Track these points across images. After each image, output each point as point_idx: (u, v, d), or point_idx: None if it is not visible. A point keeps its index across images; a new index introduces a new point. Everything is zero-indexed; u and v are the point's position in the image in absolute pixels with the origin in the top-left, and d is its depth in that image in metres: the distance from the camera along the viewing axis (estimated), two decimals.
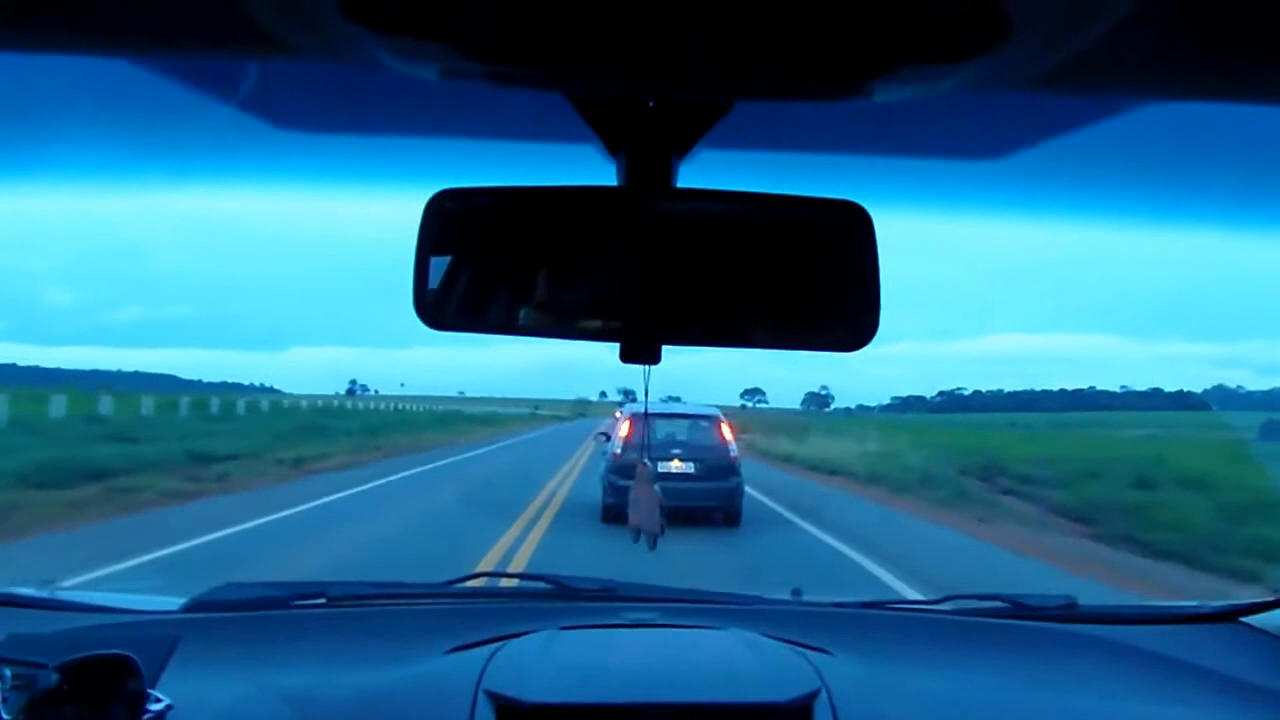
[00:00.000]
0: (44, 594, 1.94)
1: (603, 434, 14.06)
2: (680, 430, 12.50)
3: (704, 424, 12.60)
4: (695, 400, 14.09)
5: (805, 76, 0.81)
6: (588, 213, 1.09)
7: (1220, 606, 2.02)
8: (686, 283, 1.08)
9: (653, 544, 1.84)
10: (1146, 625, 2.02)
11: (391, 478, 17.24)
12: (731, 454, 12.10)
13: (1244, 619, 1.96)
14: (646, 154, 1.08)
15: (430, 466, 20.60)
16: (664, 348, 1.10)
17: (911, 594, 6.81)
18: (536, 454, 25.92)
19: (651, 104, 1.04)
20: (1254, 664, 1.79)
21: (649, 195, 1.09)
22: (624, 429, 11.92)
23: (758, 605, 2.10)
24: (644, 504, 1.94)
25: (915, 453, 23.07)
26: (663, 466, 11.70)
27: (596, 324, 1.11)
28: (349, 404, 61.69)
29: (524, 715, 1.41)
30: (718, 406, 13.81)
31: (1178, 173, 1.55)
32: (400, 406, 67.82)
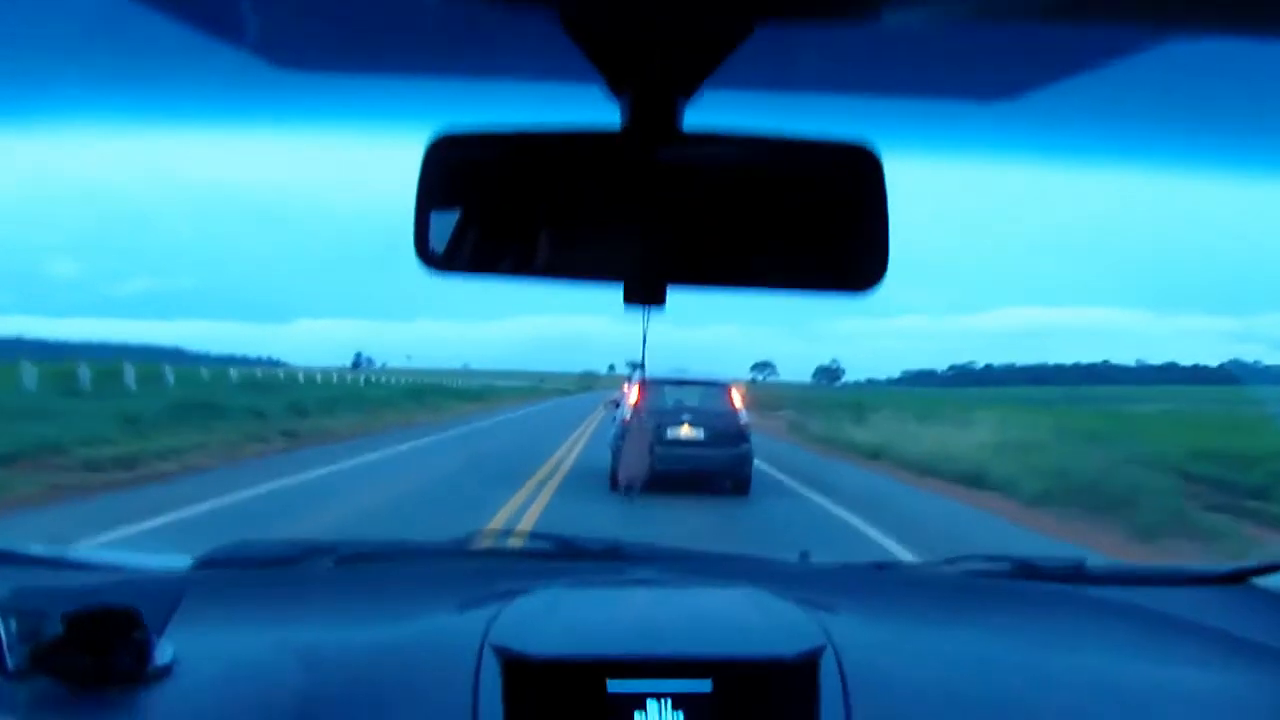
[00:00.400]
0: (51, 552, 1.94)
1: (613, 401, 14.15)
2: (690, 397, 12.52)
3: (714, 390, 12.61)
4: (703, 373, 14.10)
5: None
6: (591, 156, 1.08)
7: (1230, 568, 2.01)
8: (692, 225, 1.07)
9: (636, 493, 1.84)
10: (1155, 587, 2.01)
11: (234, 496, 11.37)
12: (742, 421, 12.13)
13: (1254, 580, 1.95)
14: (651, 95, 1.06)
15: (339, 468, 14.81)
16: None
17: None
18: (519, 439, 21.03)
19: (656, 39, 1.02)
20: (1263, 625, 1.78)
21: (654, 137, 1.07)
22: (634, 394, 12.00)
23: (765, 566, 2.10)
24: (634, 458, 1.95)
25: (1046, 446, 16.02)
26: (672, 433, 11.81)
27: (600, 266, 1.10)
28: (344, 377, 56.33)
29: (530, 669, 1.41)
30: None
31: (1200, 116, 1.51)
32: (375, 379, 59.85)
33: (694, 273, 1.09)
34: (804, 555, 2.27)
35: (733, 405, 12.35)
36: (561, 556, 2.07)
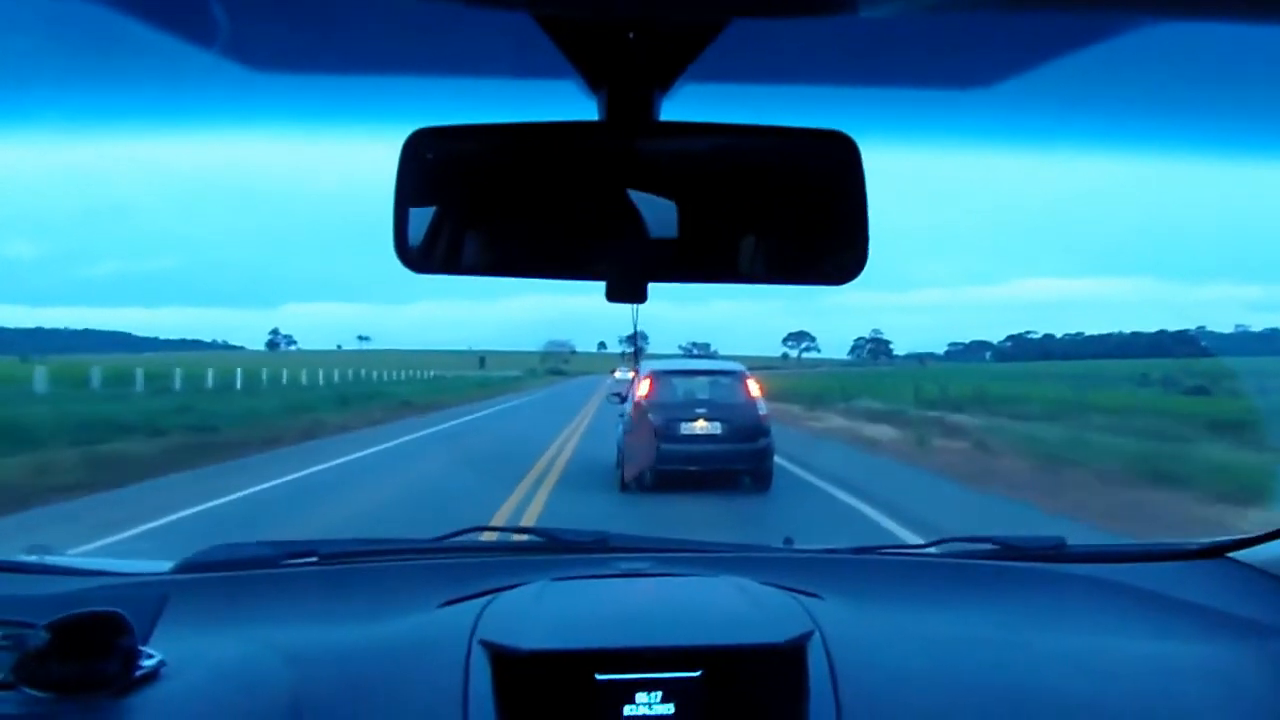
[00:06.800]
0: (33, 558, 1.93)
1: (617, 395, 13.08)
2: (704, 388, 11.79)
3: (728, 380, 11.89)
4: (728, 349, 13.33)
5: None
6: (569, 149, 1.08)
7: (1207, 543, 2.04)
8: (671, 218, 1.07)
9: (650, 481, 1.83)
10: (1135, 563, 2.03)
11: None
12: (760, 412, 11.39)
13: (1230, 554, 1.98)
14: (628, 88, 1.06)
15: None
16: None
17: None
18: None
19: (632, 36, 1.01)
20: (1241, 598, 1.81)
21: (631, 130, 1.07)
22: (644, 388, 11.37)
23: (750, 553, 2.11)
24: (640, 448, 1.95)
25: None
26: (686, 428, 11.12)
27: (580, 262, 1.10)
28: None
29: (519, 663, 1.42)
30: (755, 357, 12.96)
31: (1171, 98, 1.53)
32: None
33: (675, 267, 1.09)
34: (788, 541, 2.29)
35: (749, 395, 11.50)
36: (548, 549, 2.07)
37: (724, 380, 11.91)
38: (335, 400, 28.16)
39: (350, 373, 48.10)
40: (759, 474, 11.25)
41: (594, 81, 1.06)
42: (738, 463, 11.21)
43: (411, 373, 62.23)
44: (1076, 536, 2.00)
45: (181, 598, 1.66)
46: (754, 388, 11.69)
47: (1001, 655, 1.56)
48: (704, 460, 10.98)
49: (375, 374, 51.18)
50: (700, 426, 11.17)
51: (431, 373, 65.85)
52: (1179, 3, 0.82)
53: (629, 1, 0.87)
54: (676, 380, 11.94)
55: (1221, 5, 0.83)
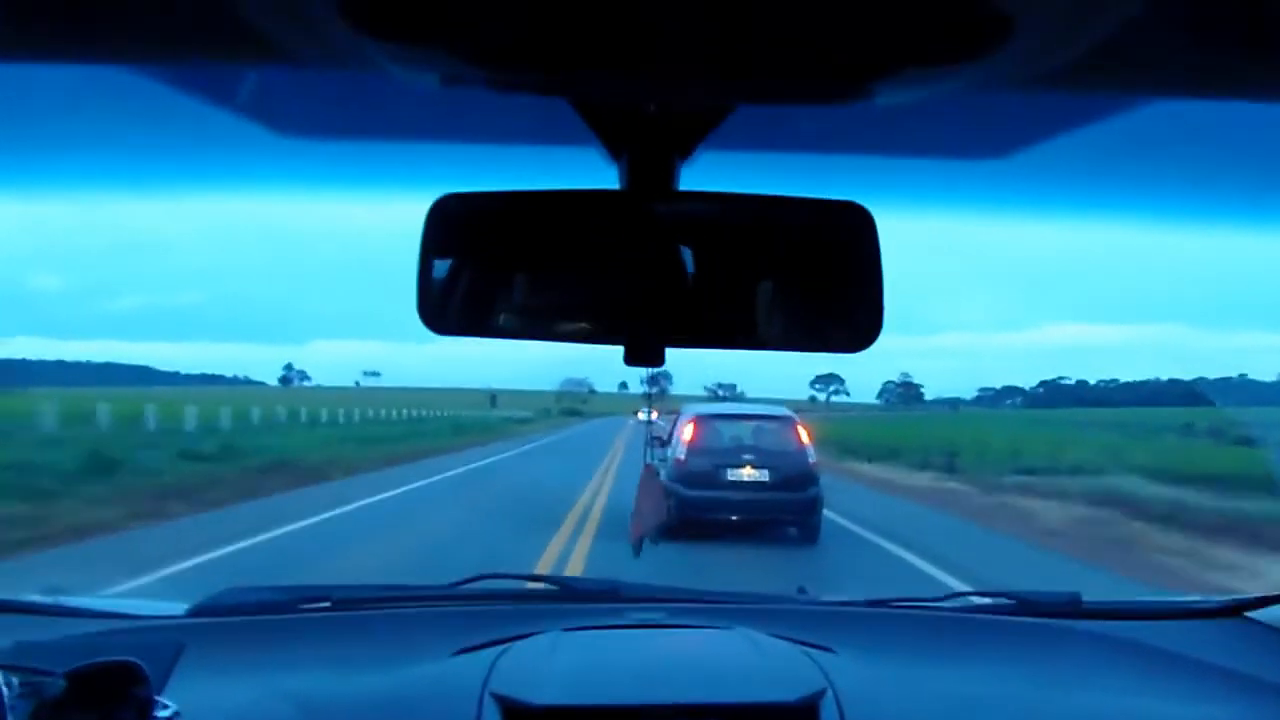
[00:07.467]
0: (49, 600, 1.94)
1: (657, 438, 12.76)
2: (750, 433, 11.13)
3: (776, 425, 11.20)
4: (754, 390, 12.64)
5: (806, 79, 0.81)
6: (590, 216, 1.10)
7: (1225, 601, 2.02)
8: (689, 284, 1.09)
9: (655, 539, 1.82)
10: (1151, 620, 2.01)
11: None
12: (810, 460, 10.72)
13: (1248, 614, 1.96)
14: (648, 157, 1.08)
15: None
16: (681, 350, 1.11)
17: None
18: None
19: (653, 107, 1.04)
20: (1259, 658, 1.79)
21: (651, 197, 1.09)
22: (688, 432, 10.78)
23: (763, 605, 2.10)
24: (648, 508, 1.94)
25: None
26: (732, 474, 10.45)
27: (600, 327, 1.11)
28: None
29: (531, 717, 1.41)
30: (782, 400, 12.15)
31: (1185, 171, 1.54)
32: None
33: (692, 333, 1.11)
34: (801, 591, 2.28)
35: (799, 442, 10.81)
36: (560, 598, 2.07)
37: (771, 425, 11.24)
38: (176, 458, 16.37)
39: (305, 411, 41.40)
40: (807, 526, 10.60)
41: (615, 150, 1.09)
42: (785, 513, 10.57)
43: (395, 411, 55.24)
44: None
45: (196, 643, 1.66)
46: (804, 434, 11.03)
47: (1016, 714, 1.55)
48: (750, 509, 10.41)
49: (344, 413, 43.91)
50: (747, 474, 10.52)
51: (409, 411, 58.75)
52: (1188, 85, 0.84)
53: (649, 83, 0.89)
54: (722, 425, 11.35)
55: (1229, 88, 0.84)
